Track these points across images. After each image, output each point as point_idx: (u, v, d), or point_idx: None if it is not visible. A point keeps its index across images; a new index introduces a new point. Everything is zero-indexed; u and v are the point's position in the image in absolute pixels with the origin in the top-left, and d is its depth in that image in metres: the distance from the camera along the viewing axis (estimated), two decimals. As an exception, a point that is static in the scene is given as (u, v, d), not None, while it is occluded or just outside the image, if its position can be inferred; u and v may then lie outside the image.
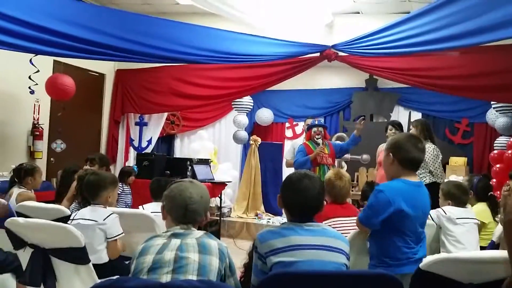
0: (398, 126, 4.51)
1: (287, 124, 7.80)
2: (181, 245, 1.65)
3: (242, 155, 7.74)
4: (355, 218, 2.32)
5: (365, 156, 6.41)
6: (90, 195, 2.71)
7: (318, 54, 5.17)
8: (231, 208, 6.77)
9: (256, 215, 6.57)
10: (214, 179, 5.77)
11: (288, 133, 7.79)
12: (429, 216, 2.57)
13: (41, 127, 5.51)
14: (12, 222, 2.38)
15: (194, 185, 1.84)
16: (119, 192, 4.51)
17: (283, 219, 6.01)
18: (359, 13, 6.20)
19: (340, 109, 7.42)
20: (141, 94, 6.69)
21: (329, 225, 2.14)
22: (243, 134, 7.15)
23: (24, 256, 2.39)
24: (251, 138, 7.02)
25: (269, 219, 6.45)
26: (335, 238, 1.83)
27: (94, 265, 2.32)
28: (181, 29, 4.57)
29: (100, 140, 6.87)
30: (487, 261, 1.78)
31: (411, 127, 4.49)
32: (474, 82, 4.77)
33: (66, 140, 5.79)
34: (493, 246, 2.82)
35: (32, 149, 5.43)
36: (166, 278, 1.57)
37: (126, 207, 4.58)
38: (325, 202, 2.00)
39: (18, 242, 2.40)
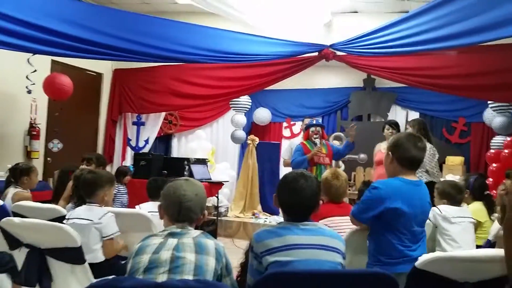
0: (395, 125, 4.52)
1: (284, 124, 7.79)
2: (177, 245, 1.63)
3: (239, 155, 7.73)
4: (351, 217, 2.32)
5: (362, 156, 6.42)
6: (86, 193, 2.67)
7: (316, 54, 5.16)
8: (228, 208, 6.76)
9: (253, 214, 6.56)
10: (211, 179, 5.77)
11: (286, 132, 7.78)
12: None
13: (38, 127, 5.49)
14: (7, 222, 2.36)
15: (189, 182, 1.83)
16: (115, 192, 4.49)
17: (280, 218, 6.00)
18: (357, 12, 6.20)
19: (337, 108, 7.40)
20: (138, 94, 6.68)
21: (326, 224, 2.14)
22: (241, 133, 7.14)
23: (19, 256, 2.38)
24: (248, 137, 7.00)
25: (266, 218, 6.44)
26: (331, 237, 1.83)
27: (90, 264, 2.31)
28: (179, 29, 4.56)
29: (97, 140, 6.85)
30: (483, 260, 1.78)
31: (408, 126, 4.49)
32: (472, 82, 4.77)
33: (63, 139, 5.78)
34: (489, 244, 2.83)
35: (29, 149, 5.41)
36: (162, 278, 1.55)
37: (122, 207, 4.57)
38: (321, 202, 2.00)
39: (13, 242, 2.38)
